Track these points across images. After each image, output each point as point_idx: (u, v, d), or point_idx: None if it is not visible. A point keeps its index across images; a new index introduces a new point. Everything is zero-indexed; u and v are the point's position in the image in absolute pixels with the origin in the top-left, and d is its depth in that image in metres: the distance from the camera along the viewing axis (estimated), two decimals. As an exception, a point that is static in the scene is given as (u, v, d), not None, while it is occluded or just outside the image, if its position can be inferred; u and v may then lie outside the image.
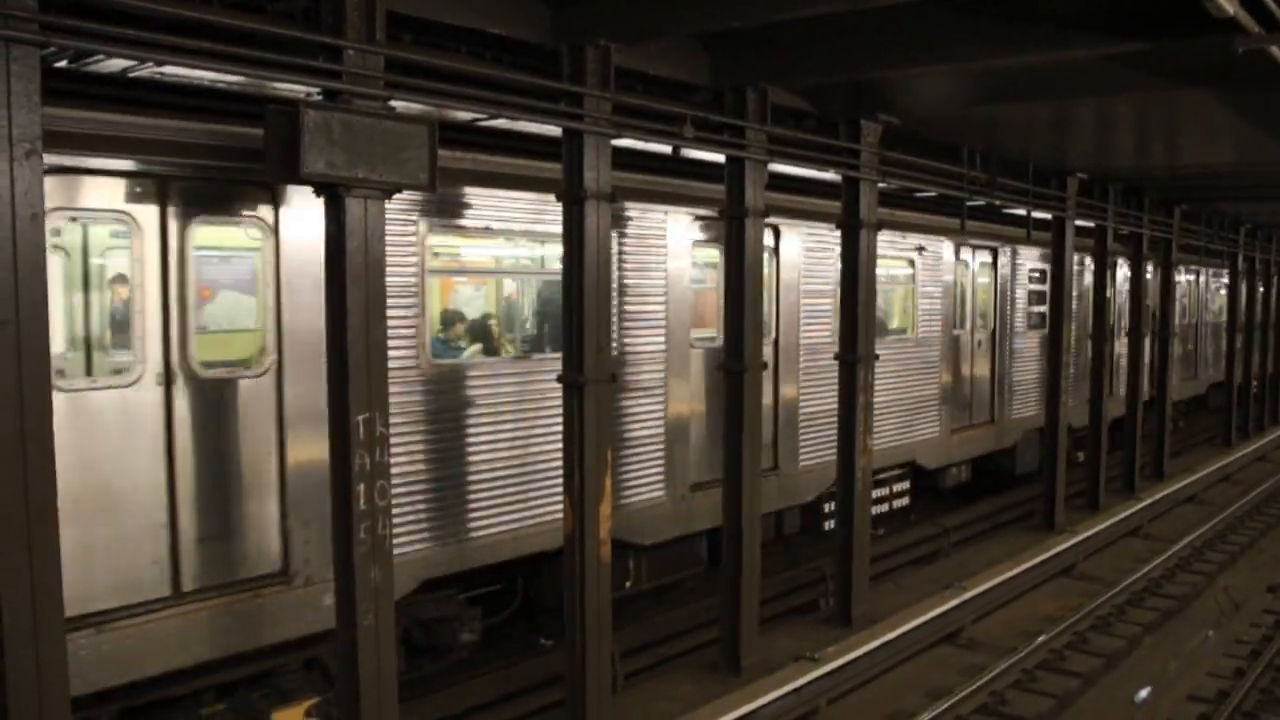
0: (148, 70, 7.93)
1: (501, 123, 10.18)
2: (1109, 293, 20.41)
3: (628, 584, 12.23)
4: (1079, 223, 18.32)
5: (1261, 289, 30.87)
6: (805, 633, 12.68)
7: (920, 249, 17.19)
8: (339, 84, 7.37)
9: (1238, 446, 26.60)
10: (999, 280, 19.97)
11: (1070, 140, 15.64)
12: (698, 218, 12.83)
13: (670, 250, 12.53)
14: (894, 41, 9.70)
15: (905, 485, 17.13)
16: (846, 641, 11.68)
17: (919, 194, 16.28)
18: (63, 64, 7.71)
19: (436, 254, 10.43)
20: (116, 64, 7.85)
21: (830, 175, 12.81)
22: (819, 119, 12.22)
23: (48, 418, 6.11)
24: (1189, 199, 22.65)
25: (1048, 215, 17.84)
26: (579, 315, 9.32)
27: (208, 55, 6.84)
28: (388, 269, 7.83)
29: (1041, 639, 12.71)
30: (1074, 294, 19.40)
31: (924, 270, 17.36)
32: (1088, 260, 21.33)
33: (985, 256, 19.59)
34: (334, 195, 7.44)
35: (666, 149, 11.23)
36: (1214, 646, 13.25)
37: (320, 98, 7.48)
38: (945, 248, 17.93)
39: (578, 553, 9.51)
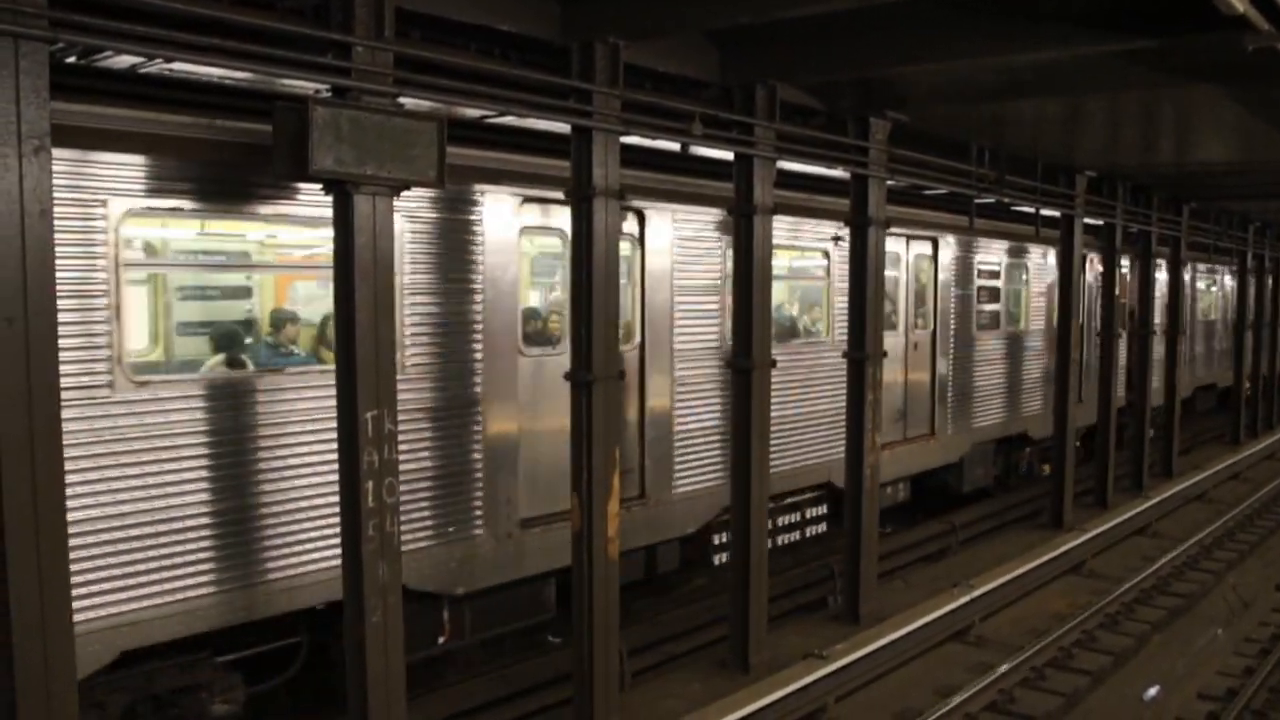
0: (157, 66, 7.92)
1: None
2: (1117, 290, 20.21)
3: (441, 639, 10.21)
4: (1087, 219, 18.33)
5: (1271, 285, 30.77)
6: (813, 630, 12.66)
7: (836, 239, 14.68)
8: (348, 81, 7.38)
9: (1246, 444, 26.55)
10: (940, 275, 17.55)
11: (1079, 137, 15.61)
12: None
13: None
14: (902, 38, 9.69)
15: (821, 510, 14.90)
16: (855, 639, 11.66)
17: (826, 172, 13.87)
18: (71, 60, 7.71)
19: (137, 242, 8.42)
20: (125, 60, 7.85)
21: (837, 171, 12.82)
22: (828, 116, 12.22)
23: (56, 415, 6.12)
24: (1197, 196, 22.59)
25: (1056, 213, 17.80)
26: (587, 313, 9.31)
27: (217, 51, 6.85)
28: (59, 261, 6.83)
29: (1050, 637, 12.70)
30: (1040, 292, 19.44)
31: (842, 263, 14.45)
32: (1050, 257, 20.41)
33: (923, 248, 17.23)
34: (342, 192, 7.45)
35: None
36: (1223, 645, 13.23)
37: (329, 94, 7.49)
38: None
39: (585, 551, 9.51)
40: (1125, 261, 22.28)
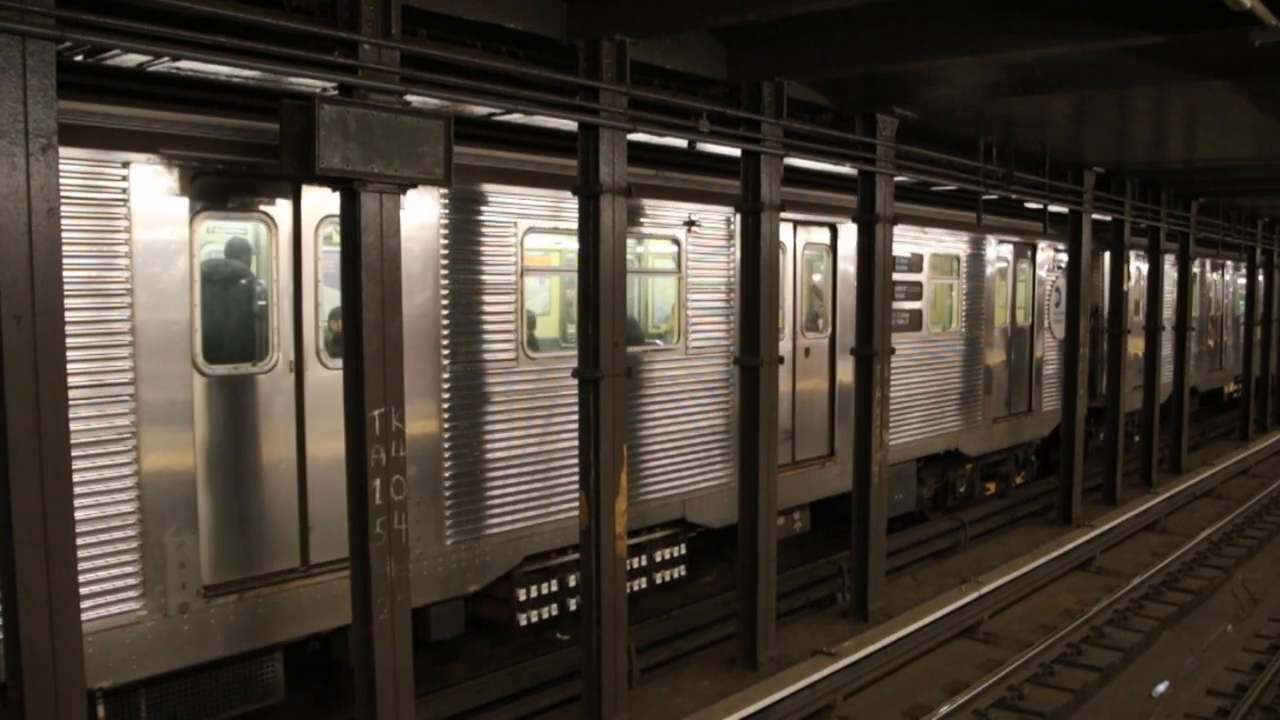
0: (164, 65, 7.92)
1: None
2: (1125, 287, 20.12)
3: None
4: (1095, 216, 18.30)
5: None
6: (822, 627, 12.68)
7: (690, 224, 12.40)
8: (355, 79, 7.38)
9: (1255, 440, 26.52)
10: (840, 268, 14.82)
11: (1087, 133, 15.58)
12: None
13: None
14: (910, 34, 9.68)
15: (676, 551, 12.55)
16: (863, 636, 11.66)
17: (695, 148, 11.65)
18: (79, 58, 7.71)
19: None
20: (132, 59, 7.85)
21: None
22: (835, 113, 12.21)
23: (64, 413, 6.13)
24: (1206, 192, 22.55)
25: (1064, 209, 17.78)
26: (594, 311, 9.32)
27: (223, 50, 6.85)
28: None
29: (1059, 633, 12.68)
30: (975, 288, 17.97)
31: (698, 254, 12.56)
32: (998, 248, 18.75)
33: (818, 235, 14.49)
34: (349, 190, 7.45)
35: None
36: (1232, 641, 13.19)
37: (336, 93, 7.49)
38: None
39: (593, 548, 9.52)
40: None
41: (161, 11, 6.53)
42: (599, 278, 9.28)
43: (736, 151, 10.98)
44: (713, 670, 11.48)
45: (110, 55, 7.56)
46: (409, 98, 7.77)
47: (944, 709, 10.50)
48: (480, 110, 9.59)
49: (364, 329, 7.55)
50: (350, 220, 7.52)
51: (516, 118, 9.68)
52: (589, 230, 9.31)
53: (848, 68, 10.55)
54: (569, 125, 9.50)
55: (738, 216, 11.50)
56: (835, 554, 14.82)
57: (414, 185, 7.79)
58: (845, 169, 12.77)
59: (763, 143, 10.80)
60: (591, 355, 9.38)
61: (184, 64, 7.65)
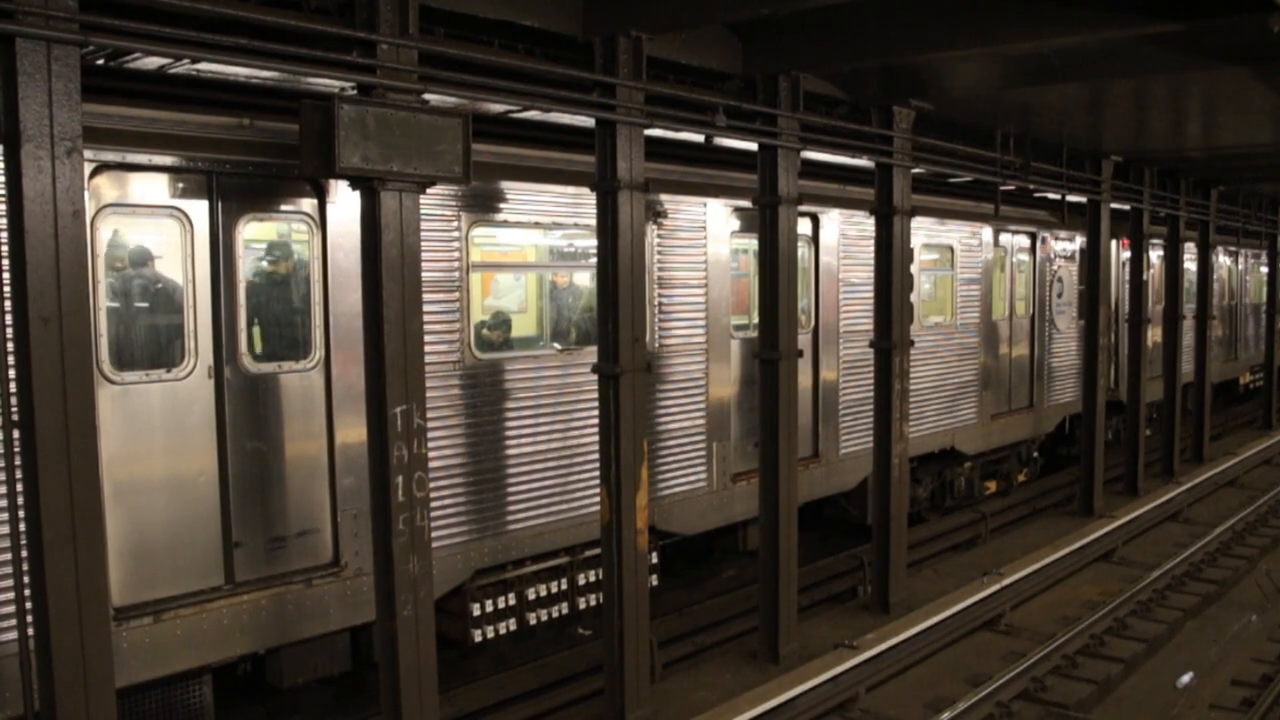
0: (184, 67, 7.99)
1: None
2: (1145, 276, 19.98)
3: None
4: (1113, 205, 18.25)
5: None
6: (843, 620, 12.69)
7: (658, 213, 11.99)
8: (373, 78, 7.42)
9: (1278, 429, 26.37)
10: (822, 259, 14.32)
11: (1106, 122, 15.53)
12: None
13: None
14: (927, 26, 9.69)
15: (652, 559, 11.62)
16: (885, 629, 11.66)
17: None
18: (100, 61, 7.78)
19: None
20: (153, 61, 7.92)
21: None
22: (851, 105, 12.20)
23: (91, 412, 6.21)
24: (1226, 180, 22.44)
25: (1083, 199, 17.72)
26: (614, 306, 9.34)
27: (243, 52, 6.90)
28: None
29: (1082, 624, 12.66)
30: (971, 279, 17.29)
31: (669, 242, 12.21)
32: (996, 236, 18.29)
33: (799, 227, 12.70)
34: (369, 189, 7.50)
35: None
36: (1257, 631, 13.13)
37: (354, 92, 7.54)
38: (713, 211, 12.62)
39: (615, 542, 9.56)
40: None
41: (181, 14, 6.58)
42: (618, 273, 9.31)
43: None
44: (735, 664, 11.50)
45: (132, 59, 7.64)
46: (427, 96, 7.81)
47: (966, 701, 10.50)
48: (498, 108, 9.64)
49: (385, 326, 7.60)
50: (371, 219, 7.57)
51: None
52: (607, 226, 9.34)
53: (863, 60, 10.54)
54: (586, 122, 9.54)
55: (705, 205, 11.98)
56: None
57: (433, 183, 7.83)
58: (828, 155, 12.71)
59: (780, 136, 10.81)
60: (611, 351, 9.42)
61: (204, 66, 7.73)
